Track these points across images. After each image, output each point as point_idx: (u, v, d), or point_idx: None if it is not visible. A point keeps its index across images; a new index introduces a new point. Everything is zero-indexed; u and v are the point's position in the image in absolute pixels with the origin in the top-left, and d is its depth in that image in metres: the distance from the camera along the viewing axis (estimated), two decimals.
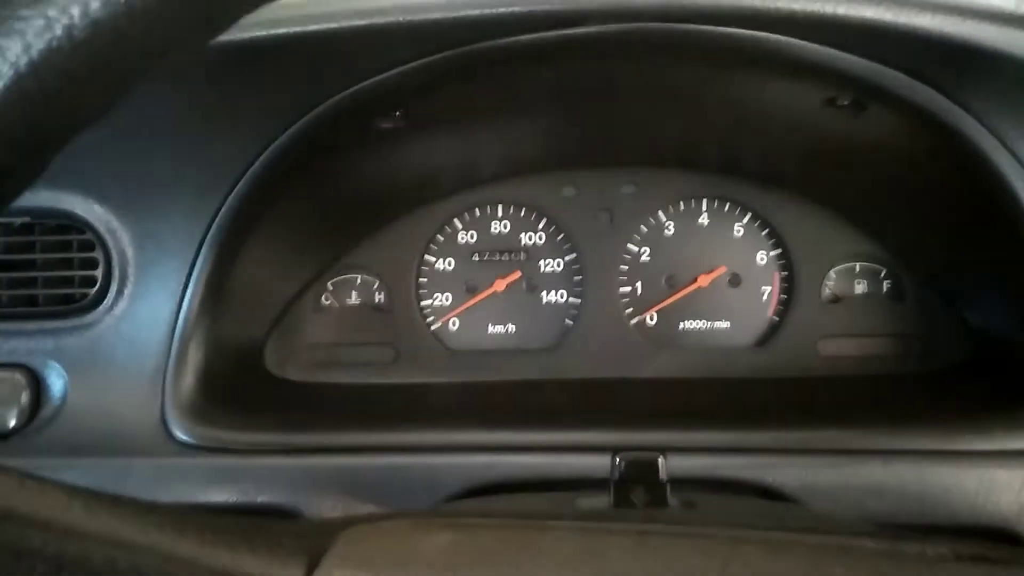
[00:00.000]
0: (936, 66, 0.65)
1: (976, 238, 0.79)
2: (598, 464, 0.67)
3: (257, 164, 0.70)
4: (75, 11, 0.31)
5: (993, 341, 0.82)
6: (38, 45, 0.31)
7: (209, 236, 0.72)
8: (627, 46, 0.66)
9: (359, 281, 0.94)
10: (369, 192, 0.88)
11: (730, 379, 0.89)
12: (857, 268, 0.92)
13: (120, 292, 0.74)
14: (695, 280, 0.93)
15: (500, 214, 0.94)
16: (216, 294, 0.75)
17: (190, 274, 0.73)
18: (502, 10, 0.63)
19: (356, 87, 0.67)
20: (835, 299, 0.92)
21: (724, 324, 0.93)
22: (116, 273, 0.74)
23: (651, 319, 0.94)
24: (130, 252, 0.74)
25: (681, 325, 0.93)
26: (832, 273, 0.92)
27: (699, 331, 0.93)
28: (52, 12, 0.32)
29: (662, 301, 0.93)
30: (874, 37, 0.63)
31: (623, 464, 0.58)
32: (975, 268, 0.82)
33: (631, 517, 0.50)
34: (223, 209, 0.72)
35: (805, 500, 0.67)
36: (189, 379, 0.74)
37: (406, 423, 0.76)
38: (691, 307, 0.93)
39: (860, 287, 0.92)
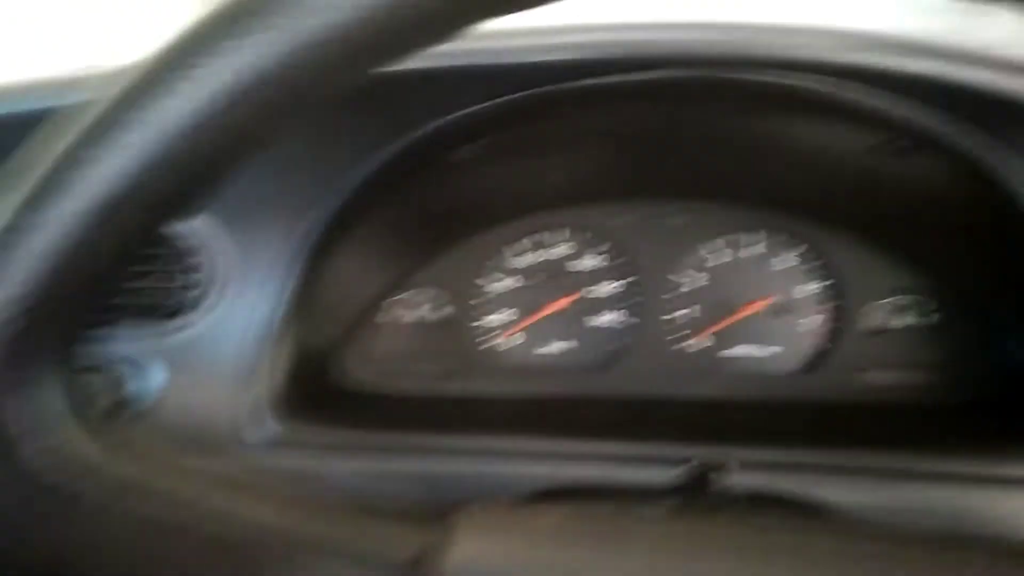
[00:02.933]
0: (989, 118, 0.70)
1: (1021, 277, 0.83)
2: (658, 475, 0.72)
3: (351, 182, 0.77)
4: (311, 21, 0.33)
5: None
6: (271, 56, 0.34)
7: (303, 247, 0.79)
8: (698, 90, 0.72)
9: (427, 296, 1.00)
10: (445, 212, 0.94)
11: (777, 402, 0.93)
12: (902, 300, 0.96)
13: (219, 296, 0.81)
14: (745, 307, 0.98)
15: (562, 237, 1.00)
16: (305, 301, 0.81)
17: (284, 281, 0.79)
18: (589, 55, 0.69)
19: (447, 118, 0.74)
20: (880, 330, 0.96)
21: (771, 351, 0.98)
22: (217, 278, 0.81)
23: (702, 343, 0.98)
24: (231, 260, 0.81)
25: (730, 351, 0.98)
26: (877, 304, 0.96)
27: (746, 358, 0.98)
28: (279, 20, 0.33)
29: (713, 326, 0.98)
30: (930, 89, 0.68)
31: (689, 474, 0.62)
32: (1018, 304, 0.86)
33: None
34: (318, 223, 0.78)
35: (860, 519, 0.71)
36: (277, 379, 0.81)
37: (473, 429, 0.82)
38: (740, 333, 0.98)
39: (905, 319, 0.96)
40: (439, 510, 0.45)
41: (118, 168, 0.35)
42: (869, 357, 0.96)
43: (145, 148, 0.35)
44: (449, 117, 0.73)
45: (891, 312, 0.96)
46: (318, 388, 0.87)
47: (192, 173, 0.37)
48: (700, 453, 0.77)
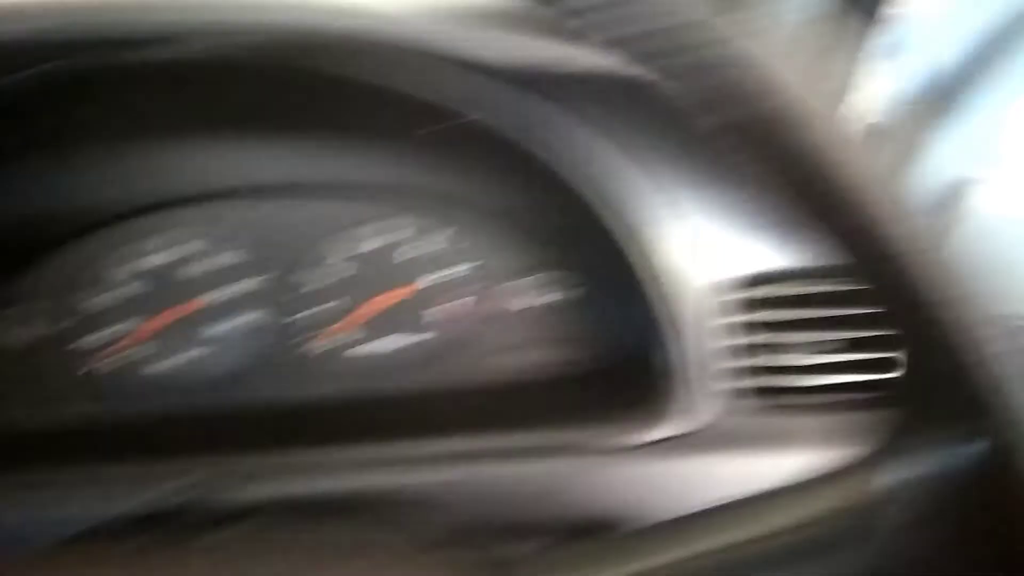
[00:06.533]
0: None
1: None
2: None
3: None
4: None
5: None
6: None
7: None
8: None
9: (22, 314, 0.88)
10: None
11: (405, 394, 0.90)
12: (544, 277, 0.94)
13: None
14: (386, 296, 0.93)
15: (168, 239, 0.90)
16: None
17: None
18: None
19: None
20: (526, 309, 0.94)
21: (414, 340, 0.94)
22: None
23: (337, 339, 0.92)
24: None
25: (365, 345, 0.93)
26: (521, 283, 0.94)
27: (378, 353, 0.93)
28: None
29: (348, 319, 0.92)
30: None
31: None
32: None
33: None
34: None
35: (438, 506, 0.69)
36: None
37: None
38: (380, 325, 0.93)
39: (549, 295, 0.95)
40: None
41: None
42: (516, 336, 0.94)
43: None
44: None
45: (535, 289, 0.95)
46: None
47: None
48: (298, 461, 0.73)
